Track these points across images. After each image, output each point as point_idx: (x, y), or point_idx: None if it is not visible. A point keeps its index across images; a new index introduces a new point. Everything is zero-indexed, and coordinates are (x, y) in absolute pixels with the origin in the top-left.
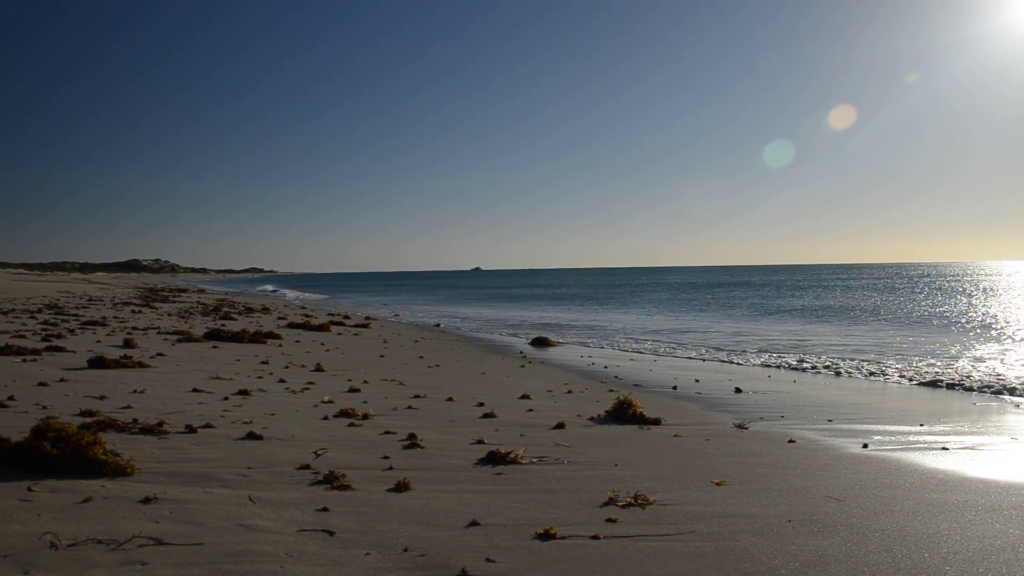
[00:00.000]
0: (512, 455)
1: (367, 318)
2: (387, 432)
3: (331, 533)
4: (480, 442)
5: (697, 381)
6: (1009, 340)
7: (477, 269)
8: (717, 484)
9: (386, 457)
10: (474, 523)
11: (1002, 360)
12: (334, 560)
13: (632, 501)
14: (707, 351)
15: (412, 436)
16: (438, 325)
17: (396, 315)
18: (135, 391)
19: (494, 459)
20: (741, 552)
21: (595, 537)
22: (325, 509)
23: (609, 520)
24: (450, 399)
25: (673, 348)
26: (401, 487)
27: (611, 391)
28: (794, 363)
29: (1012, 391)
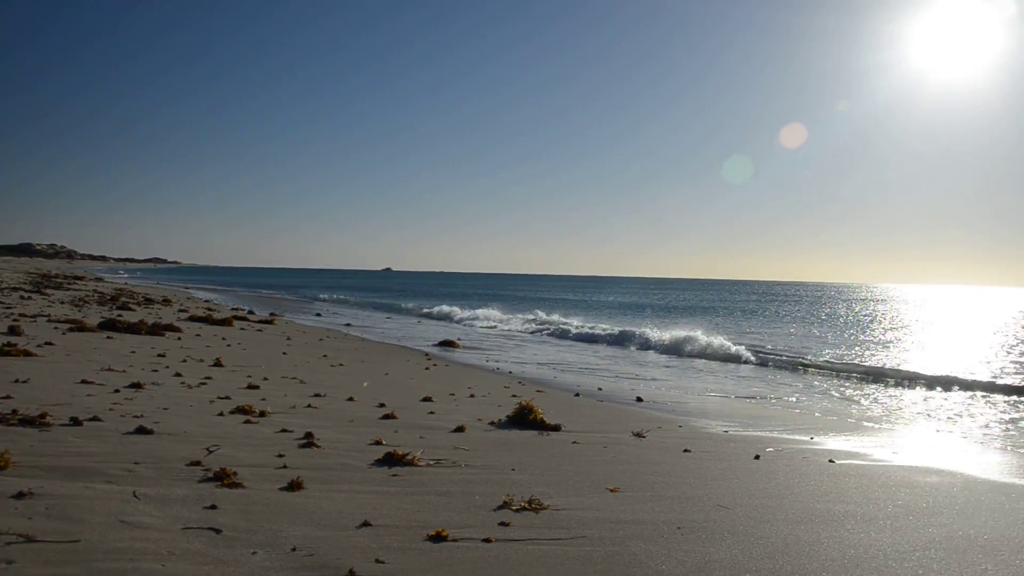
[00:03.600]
0: (409, 457)
1: (272, 314)
2: (284, 430)
3: (218, 531)
4: (378, 443)
5: (600, 389)
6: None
7: (388, 269)
8: (611, 491)
9: (281, 455)
10: (366, 524)
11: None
12: (218, 559)
13: (526, 505)
14: (615, 360)
15: (309, 435)
16: (348, 325)
17: (319, 315)
18: (17, 380)
19: (391, 460)
20: (630, 557)
21: (487, 540)
22: (213, 507)
23: (502, 524)
24: (351, 399)
25: (579, 354)
26: (294, 486)
27: (514, 396)
28: (695, 372)
29: (900, 381)
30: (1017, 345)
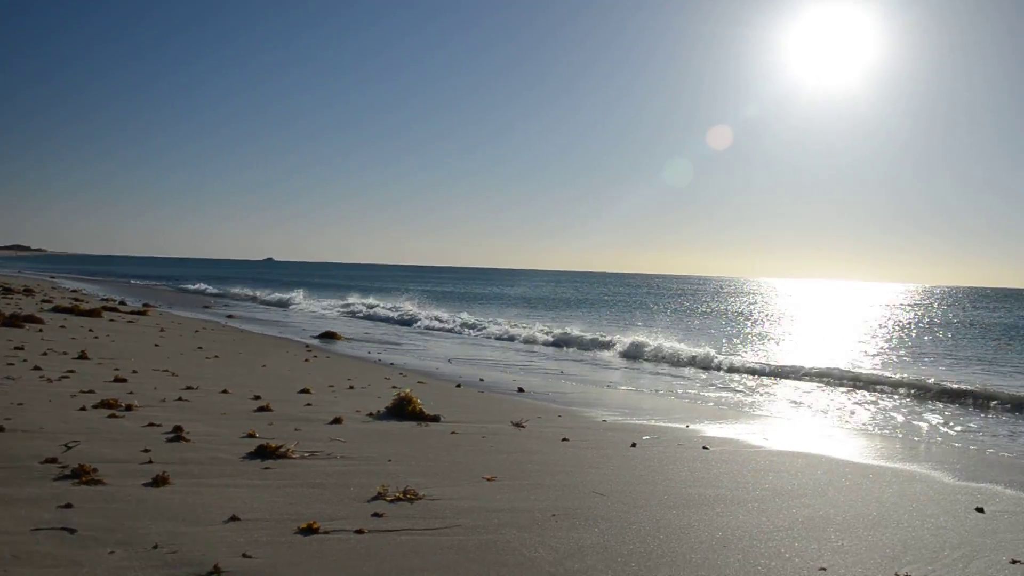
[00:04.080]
0: (283, 449)
1: (146, 305)
2: (151, 424)
3: (71, 531)
4: (251, 436)
5: (482, 380)
6: (769, 341)
7: (270, 260)
8: (488, 480)
9: (147, 450)
10: (234, 518)
11: (764, 353)
12: (70, 560)
13: (401, 496)
14: (501, 349)
15: (178, 428)
16: (231, 317)
17: (207, 307)
18: None
19: (263, 453)
20: (503, 545)
21: (359, 531)
22: (69, 506)
23: (376, 515)
24: (225, 392)
25: (461, 344)
26: (159, 481)
27: (394, 387)
28: (579, 359)
29: (769, 375)
30: (879, 337)
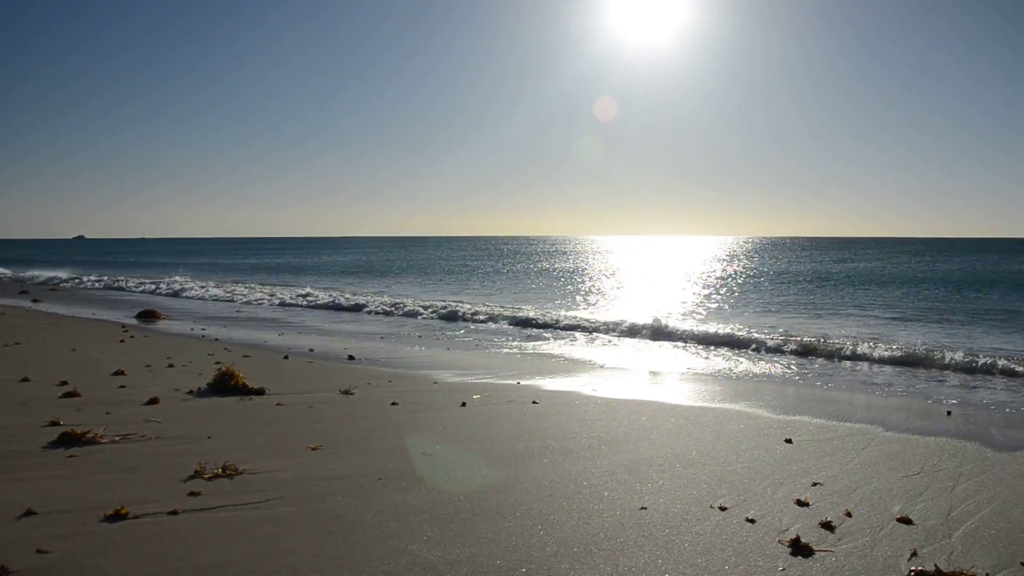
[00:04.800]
0: (90, 435)
1: None
2: None
3: None
4: (54, 424)
5: (311, 350)
6: (597, 298)
7: (80, 238)
8: (313, 449)
9: None
10: (30, 512)
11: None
12: None
13: (220, 472)
14: (332, 319)
15: None
16: (36, 301)
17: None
18: None
19: (68, 441)
20: (327, 512)
21: (173, 512)
22: None
23: (192, 494)
24: (25, 379)
25: (292, 313)
26: None
27: (218, 363)
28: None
29: (600, 331)
30: (704, 288)
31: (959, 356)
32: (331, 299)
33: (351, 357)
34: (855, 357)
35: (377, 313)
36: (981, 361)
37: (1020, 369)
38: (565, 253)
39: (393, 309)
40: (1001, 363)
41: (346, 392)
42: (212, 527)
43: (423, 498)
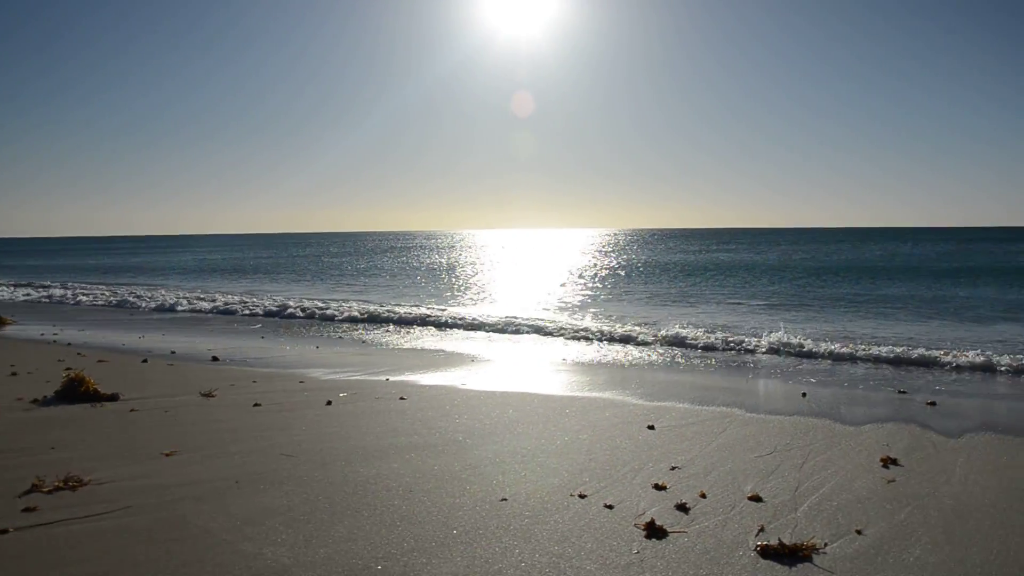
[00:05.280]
0: None
1: None
2: None
3: None
4: None
5: (173, 352)
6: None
7: None
8: (167, 455)
9: None
10: None
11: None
12: None
13: (62, 485)
14: (200, 321)
15: None
16: None
17: None
18: None
19: None
20: (177, 520)
21: (3, 532)
22: None
23: (28, 509)
24: None
25: (149, 315)
26: None
27: (68, 369)
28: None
29: (474, 327)
30: (578, 281)
31: (817, 344)
32: (207, 300)
33: (215, 358)
34: (726, 348)
35: (256, 315)
36: (833, 347)
37: (873, 351)
38: (439, 248)
39: (264, 308)
40: (859, 349)
41: (207, 395)
42: (49, 543)
43: (280, 500)
